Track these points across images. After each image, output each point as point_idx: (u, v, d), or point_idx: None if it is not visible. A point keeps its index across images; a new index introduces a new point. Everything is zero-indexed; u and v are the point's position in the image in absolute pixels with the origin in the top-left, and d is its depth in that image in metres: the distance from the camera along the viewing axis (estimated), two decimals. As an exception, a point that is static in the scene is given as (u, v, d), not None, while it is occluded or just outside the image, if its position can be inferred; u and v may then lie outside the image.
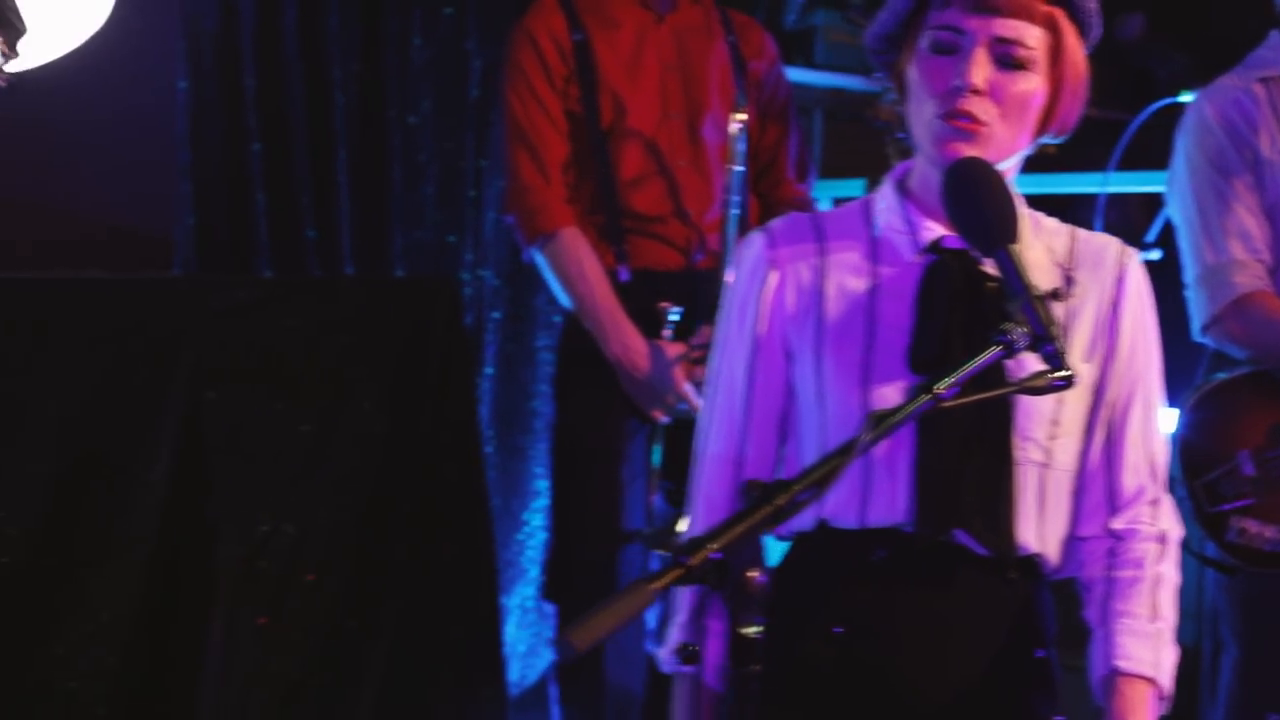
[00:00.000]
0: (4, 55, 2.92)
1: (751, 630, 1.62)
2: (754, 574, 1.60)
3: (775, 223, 2.39)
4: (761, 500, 1.65)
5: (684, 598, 2.34)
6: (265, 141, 4.70)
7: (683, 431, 3.85)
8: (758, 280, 2.34)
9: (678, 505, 3.78)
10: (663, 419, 3.84)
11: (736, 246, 2.56)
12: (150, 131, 4.41)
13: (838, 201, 5.07)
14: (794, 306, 2.32)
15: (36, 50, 4.12)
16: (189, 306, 3.69)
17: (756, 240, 2.37)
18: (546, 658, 5.25)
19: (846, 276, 2.30)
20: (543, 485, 5.26)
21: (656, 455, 3.87)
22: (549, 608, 5.17)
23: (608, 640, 3.78)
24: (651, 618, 3.96)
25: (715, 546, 1.59)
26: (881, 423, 1.81)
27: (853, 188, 5.19)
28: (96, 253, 4.21)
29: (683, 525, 3.63)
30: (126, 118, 4.30)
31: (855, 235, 2.34)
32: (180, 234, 4.53)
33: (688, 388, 3.78)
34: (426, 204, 4.97)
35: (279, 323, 3.77)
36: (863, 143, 5.49)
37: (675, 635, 2.35)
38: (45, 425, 3.51)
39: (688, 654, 2.15)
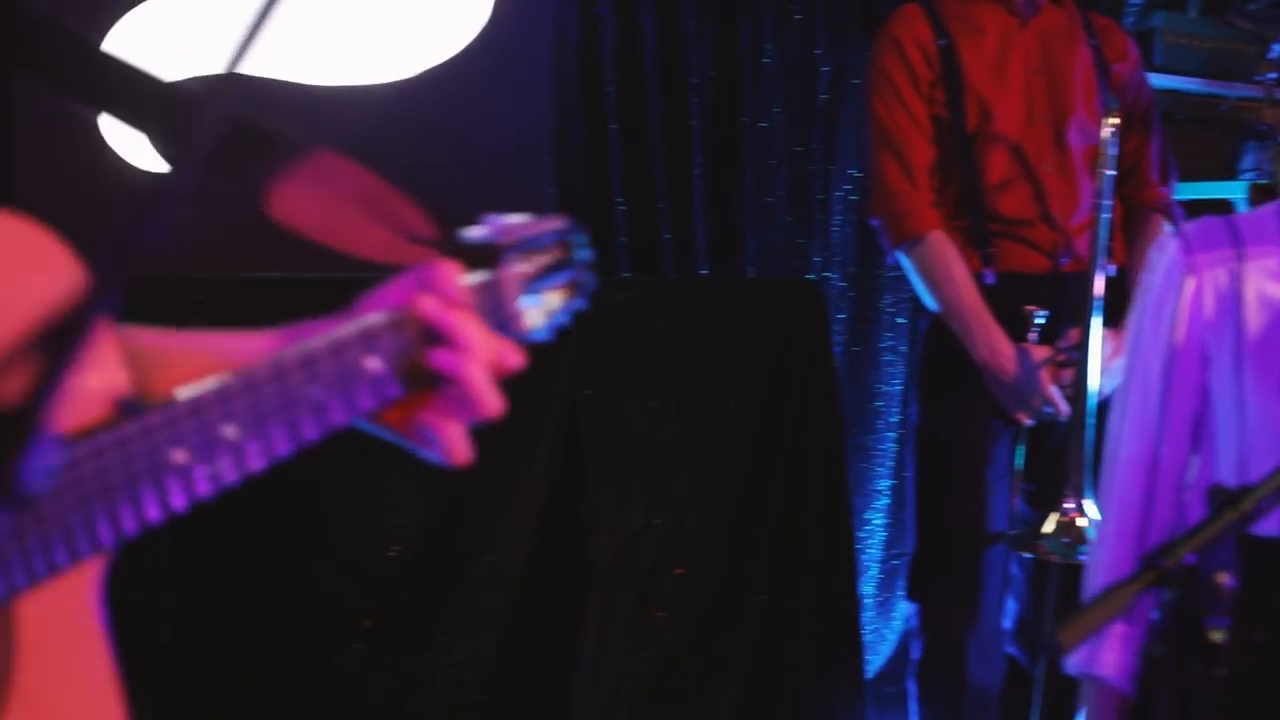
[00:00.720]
0: None
1: (1219, 634, 1.64)
2: (1224, 577, 1.63)
3: (1189, 227, 2.39)
4: (1227, 505, 1.67)
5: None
6: (625, 147, 4.83)
7: (1045, 434, 3.87)
8: (1174, 285, 2.35)
9: (1039, 508, 3.78)
10: (1027, 422, 3.85)
11: (1150, 251, 2.55)
12: (519, 137, 4.54)
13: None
14: (1212, 312, 2.32)
15: (415, 58, 4.31)
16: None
17: (1171, 245, 2.38)
18: (884, 654, 5.28)
19: (1266, 283, 2.29)
20: (885, 485, 5.30)
21: (1020, 457, 3.88)
22: (894, 603, 5.22)
23: (971, 640, 3.82)
24: (1008, 619, 3.98)
25: (1188, 549, 1.62)
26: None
27: (1190, 190, 5.10)
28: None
29: (1049, 526, 3.65)
30: (497, 123, 4.44)
31: (1273, 240, 2.33)
32: (548, 237, 4.66)
33: (1053, 391, 3.78)
34: (777, 207, 5.05)
35: (650, 323, 3.87)
36: (1199, 145, 5.39)
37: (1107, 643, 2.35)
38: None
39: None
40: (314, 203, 1.67)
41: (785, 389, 3.91)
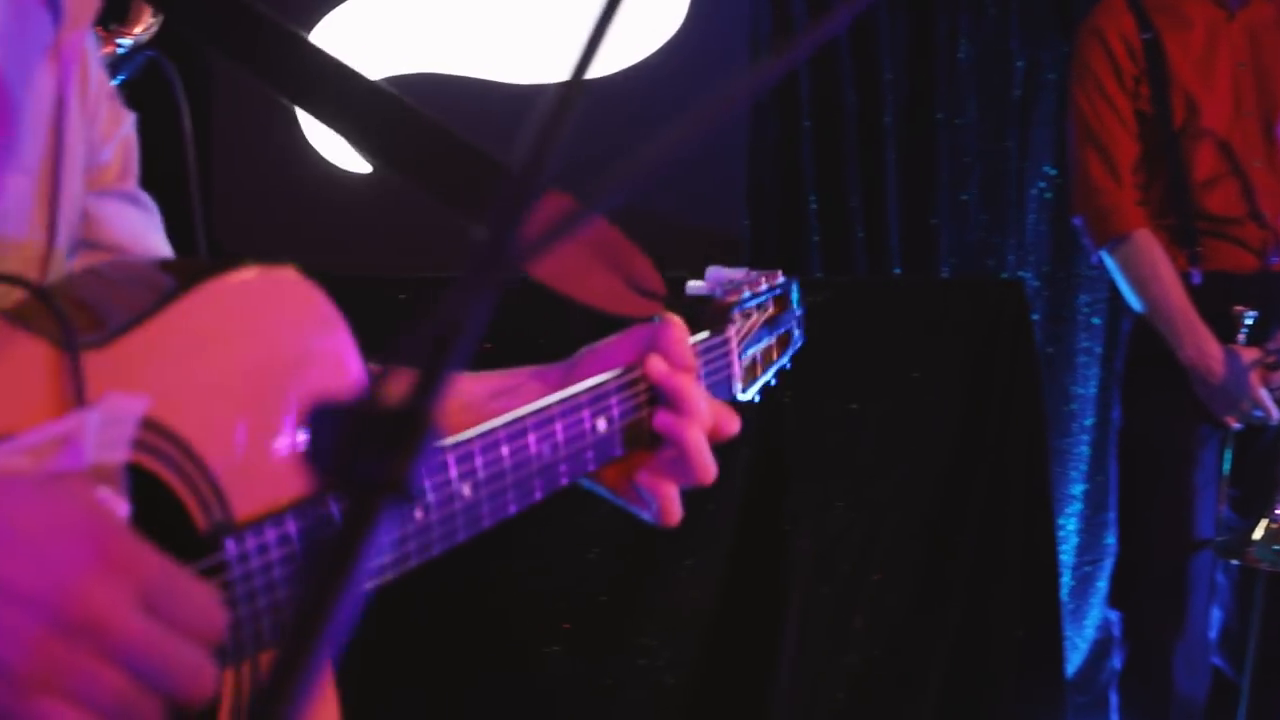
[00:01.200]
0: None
1: None
2: None
3: None
4: None
5: None
6: (817, 144, 4.79)
7: (1254, 439, 3.77)
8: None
9: (1247, 514, 3.68)
10: (1235, 425, 3.75)
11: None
12: (714, 136, 4.52)
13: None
14: None
15: (615, 56, 4.30)
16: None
17: None
18: (1075, 662, 5.19)
19: None
20: (1078, 490, 5.21)
21: (1227, 462, 3.78)
22: (1087, 610, 5.12)
23: (1178, 649, 3.72)
24: (1213, 628, 3.88)
25: None
26: None
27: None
28: (670, 251, 4.34)
29: (1258, 533, 3.56)
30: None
31: None
32: (738, 234, 4.66)
33: (1263, 394, 3.68)
34: (970, 205, 4.98)
35: (847, 323, 3.82)
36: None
37: None
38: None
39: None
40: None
41: (988, 390, 3.85)
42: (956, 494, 3.82)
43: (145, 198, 1.71)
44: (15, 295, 1.35)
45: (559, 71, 4.27)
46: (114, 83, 1.68)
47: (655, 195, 4.37)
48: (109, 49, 2.96)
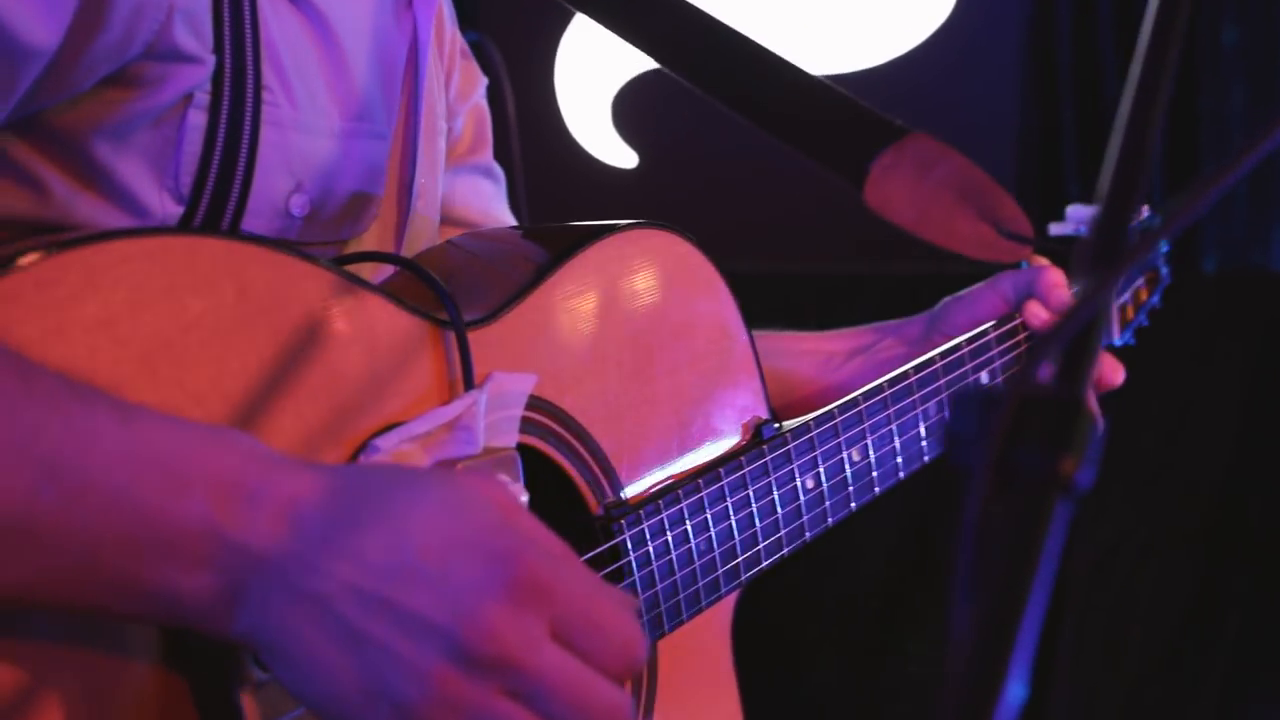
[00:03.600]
0: None
1: None
2: None
3: None
4: None
5: None
6: (1080, 133, 4.65)
7: None
8: None
9: None
10: None
11: None
12: (986, 123, 4.42)
13: None
14: None
15: (884, 46, 4.21)
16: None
17: None
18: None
19: None
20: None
21: None
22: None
23: None
24: None
25: None
26: None
27: None
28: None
29: None
30: (965, 109, 4.32)
31: None
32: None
33: None
34: (1238, 196, 4.79)
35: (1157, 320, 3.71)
36: None
37: None
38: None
39: None
40: (912, 191, 1.58)
41: (1263, 391, 3.70)
42: (1238, 501, 3.68)
43: (497, 169, 1.66)
44: (377, 270, 1.30)
45: (829, 62, 4.20)
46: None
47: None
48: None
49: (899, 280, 3.63)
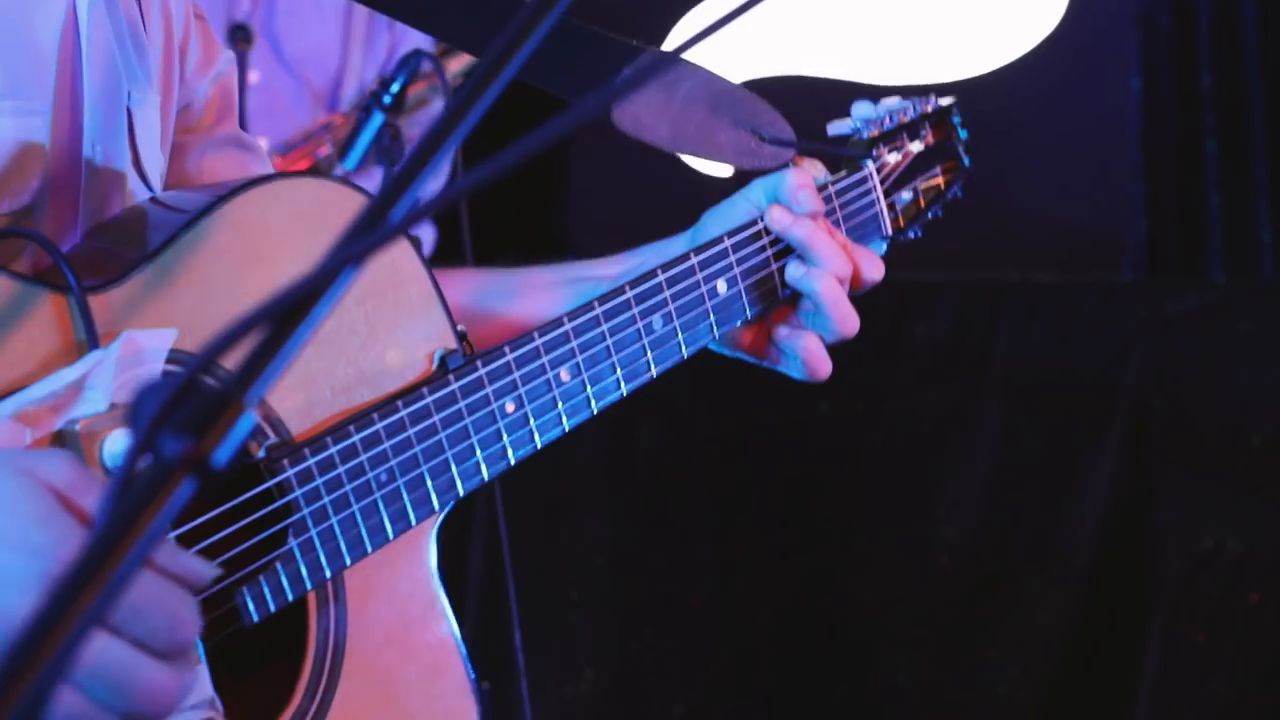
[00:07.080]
0: None
1: None
2: None
3: None
4: None
5: None
6: (1221, 141, 4.52)
7: None
8: None
9: None
10: None
11: None
12: (1103, 131, 4.34)
13: None
14: None
15: (991, 55, 4.17)
16: (1139, 310, 3.62)
17: None
18: None
19: None
20: None
21: None
22: None
23: None
24: None
25: None
26: None
27: None
28: (1046, 253, 4.21)
29: None
30: (1079, 117, 4.25)
31: None
32: (1131, 235, 4.44)
33: None
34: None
35: (1232, 328, 3.63)
36: None
37: None
38: (988, 425, 3.55)
39: None
40: (662, 109, 1.58)
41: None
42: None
43: (248, 138, 1.66)
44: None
45: (921, 72, 4.16)
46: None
47: (1031, 196, 4.22)
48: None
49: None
